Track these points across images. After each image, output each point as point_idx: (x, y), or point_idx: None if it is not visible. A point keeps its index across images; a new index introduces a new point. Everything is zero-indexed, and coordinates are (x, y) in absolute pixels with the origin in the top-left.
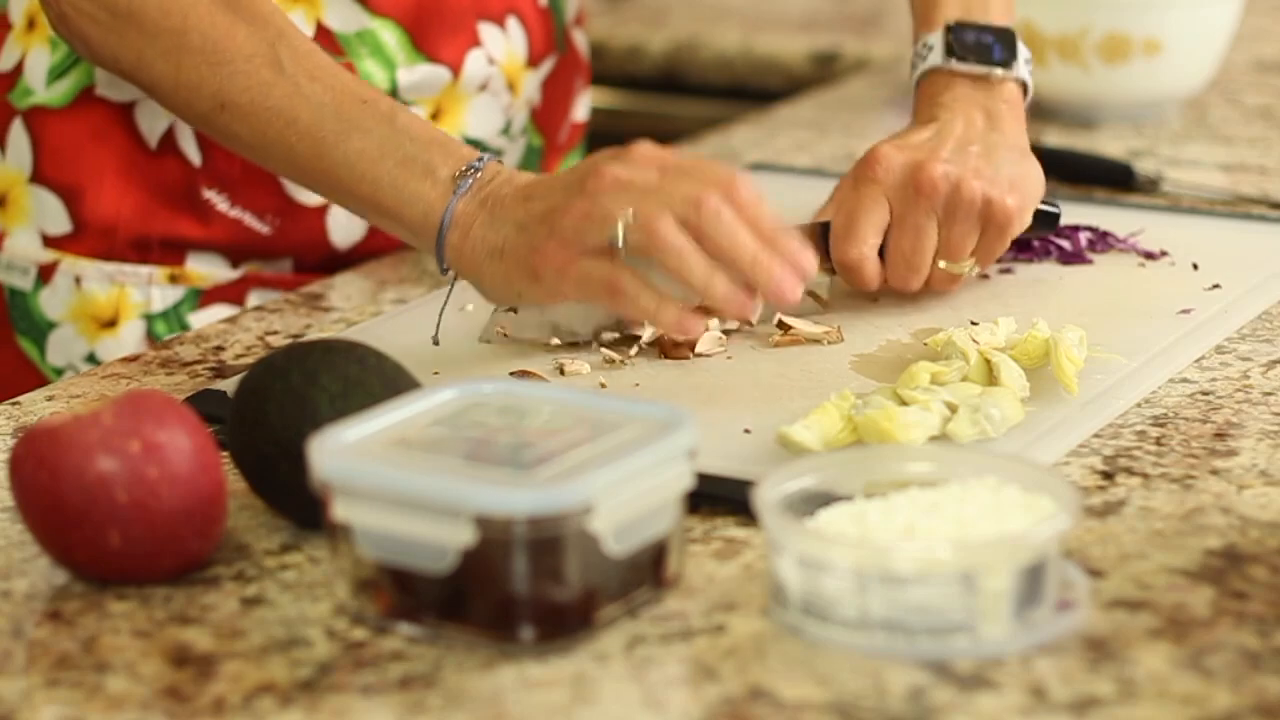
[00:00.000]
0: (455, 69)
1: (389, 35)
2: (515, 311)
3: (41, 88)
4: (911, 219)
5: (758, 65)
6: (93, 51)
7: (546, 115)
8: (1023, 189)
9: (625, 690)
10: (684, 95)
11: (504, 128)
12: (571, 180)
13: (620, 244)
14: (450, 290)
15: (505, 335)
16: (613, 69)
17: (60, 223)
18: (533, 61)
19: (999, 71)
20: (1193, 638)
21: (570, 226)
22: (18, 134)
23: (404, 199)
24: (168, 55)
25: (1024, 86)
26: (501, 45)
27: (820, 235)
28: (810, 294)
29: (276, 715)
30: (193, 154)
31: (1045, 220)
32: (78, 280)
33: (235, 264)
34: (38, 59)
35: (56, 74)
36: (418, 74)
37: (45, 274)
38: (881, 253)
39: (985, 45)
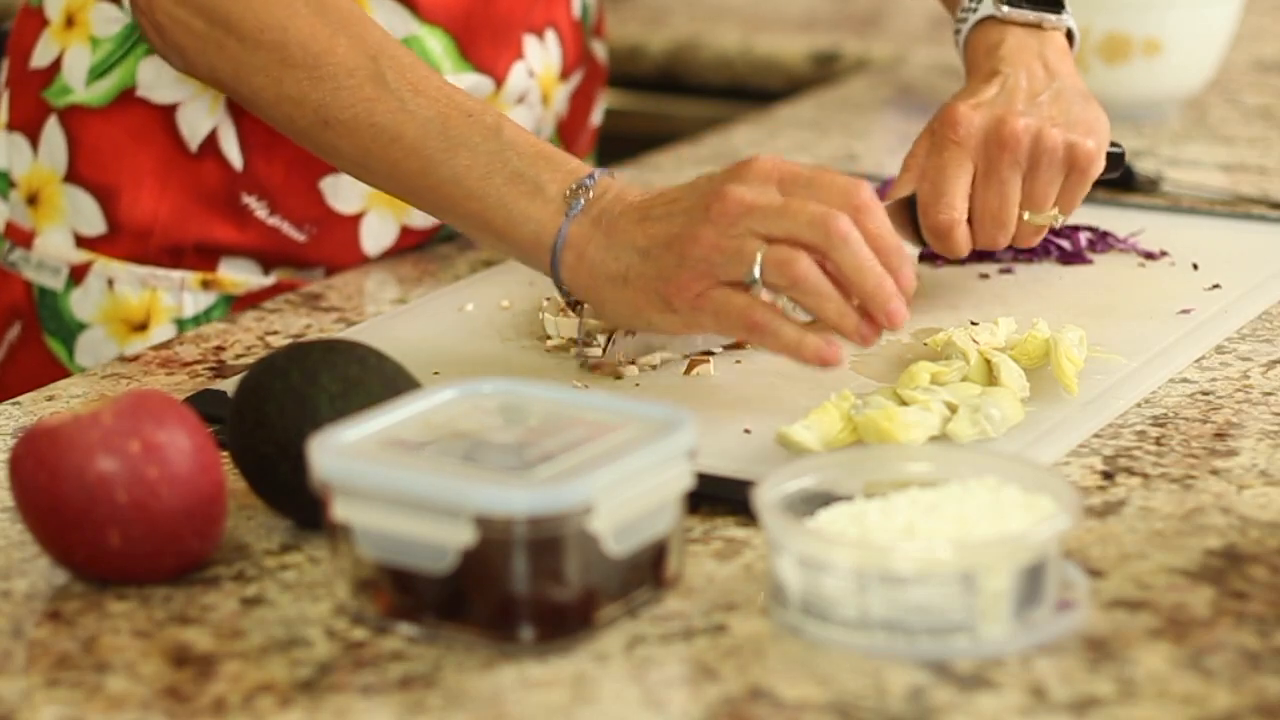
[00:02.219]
0: (499, 80)
1: (436, 43)
2: (633, 335)
3: (81, 87)
4: (997, 176)
5: (758, 65)
6: (189, 63)
7: (570, 127)
8: (1097, 131)
9: (625, 690)
10: (684, 95)
11: None
12: (694, 203)
13: (758, 280)
14: (583, 322)
15: (631, 363)
16: (613, 69)
17: (94, 223)
18: (565, 74)
19: (1051, 18)
20: (1193, 638)
21: (702, 258)
22: (52, 132)
23: (513, 219)
24: (268, 69)
25: (1070, 34)
26: (540, 58)
27: (908, 209)
28: None
29: (276, 715)
30: (235, 158)
31: (1114, 161)
32: (110, 282)
33: (268, 271)
34: (77, 57)
35: (97, 74)
36: (463, 83)
37: (77, 275)
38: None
39: None
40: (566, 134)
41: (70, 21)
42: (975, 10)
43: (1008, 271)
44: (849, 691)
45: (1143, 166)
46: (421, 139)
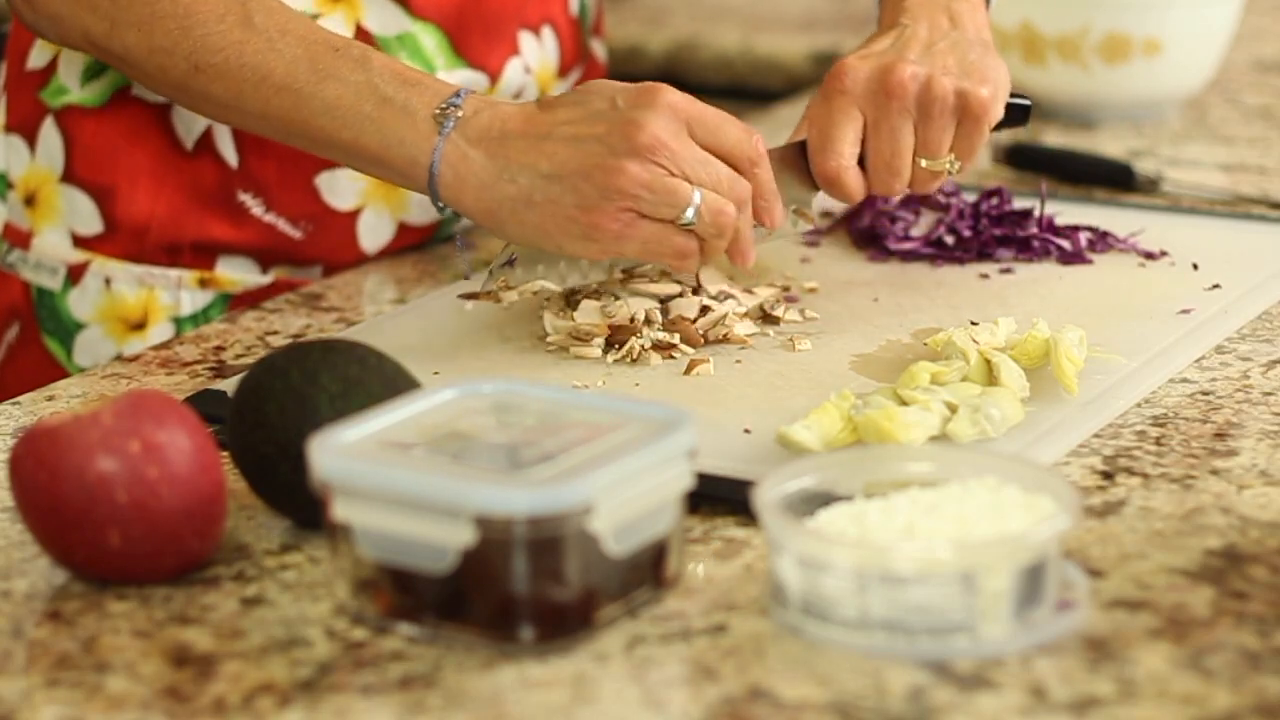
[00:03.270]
0: (494, 76)
1: (429, 39)
2: (512, 265)
3: (76, 87)
4: (886, 123)
5: (758, 65)
6: (63, 30)
7: None
8: (993, 79)
9: (625, 690)
10: None
11: None
12: (608, 131)
13: (691, 222)
14: (460, 245)
15: (508, 288)
16: (613, 69)
17: (91, 223)
18: (563, 71)
19: None
20: (1193, 638)
21: (629, 193)
22: (49, 132)
23: (387, 142)
24: (140, 24)
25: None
26: (537, 54)
27: (799, 155)
28: (797, 212)
29: (276, 715)
30: (230, 156)
31: (1018, 114)
32: (108, 281)
33: (265, 269)
34: (72, 58)
35: (91, 74)
36: (456, 78)
37: (75, 274)
38: (862, 163)
39: None
40: None
41: None
42: None
43: (1008, 271)
44: (849, 691)
45: (1143, 166)
46: (290, 75)
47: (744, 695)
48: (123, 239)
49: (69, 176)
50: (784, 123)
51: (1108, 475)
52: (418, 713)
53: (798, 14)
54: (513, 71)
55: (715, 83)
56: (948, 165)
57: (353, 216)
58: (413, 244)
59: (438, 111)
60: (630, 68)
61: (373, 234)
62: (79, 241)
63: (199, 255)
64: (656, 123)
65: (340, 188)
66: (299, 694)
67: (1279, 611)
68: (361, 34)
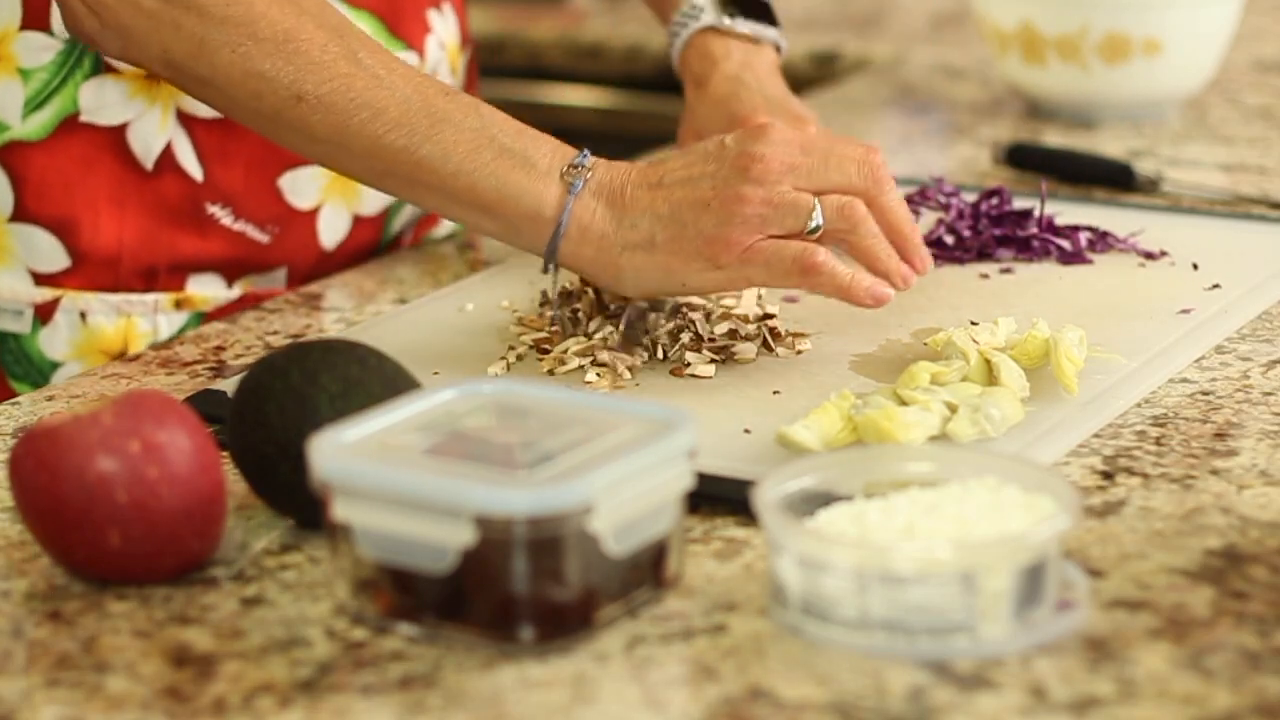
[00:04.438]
0: (421, 55)
1: (364, 25)
2: (619, 329)
3: (17, 122)
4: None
5: None
6: (134, 44)
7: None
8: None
9: (625, 690)
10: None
11: None
12: (720, 169)
13: (819, 227)
14: (554, 285)
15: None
16: (613, 69)
17: (54, 259)
18: (463, 44)
19: (768, 32)
20: (1193, 638)
21: (753, 214)
22: None
23: (506, 193)
24: (235, 45)
25: (778, 49)
26: (444, 30)
27: None
28: None
29: (276, 715)
30: (194, 170)
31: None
32: (83, 315)
33: (231, 282)
34: (9, 92)
35: (34, 106)
36: None
37: (43, 313)
38: None
39: (758, 5)
40: None
41: None
42: (697, 19)
43: (1008, 271)
44: (849, 691)
45: (1143, 166)
46: (404, 114)
47: (744, 695)
48: (93, 270)
49: (20, 215)
50: None
51: (1108, 475)
52: (418, 713)
53: (798, 14)
54: (431, 49)
55: None
56: None
57: (313, 215)
58: (366, 236)
59: (565, 169)
60: (630, 68)
61: (331, 230)
62: (41, 279)
63: (172, 275)
64: (769, 149)
65: (302, 187)
66: (299, 694)
67: (1279, 611)
68: None
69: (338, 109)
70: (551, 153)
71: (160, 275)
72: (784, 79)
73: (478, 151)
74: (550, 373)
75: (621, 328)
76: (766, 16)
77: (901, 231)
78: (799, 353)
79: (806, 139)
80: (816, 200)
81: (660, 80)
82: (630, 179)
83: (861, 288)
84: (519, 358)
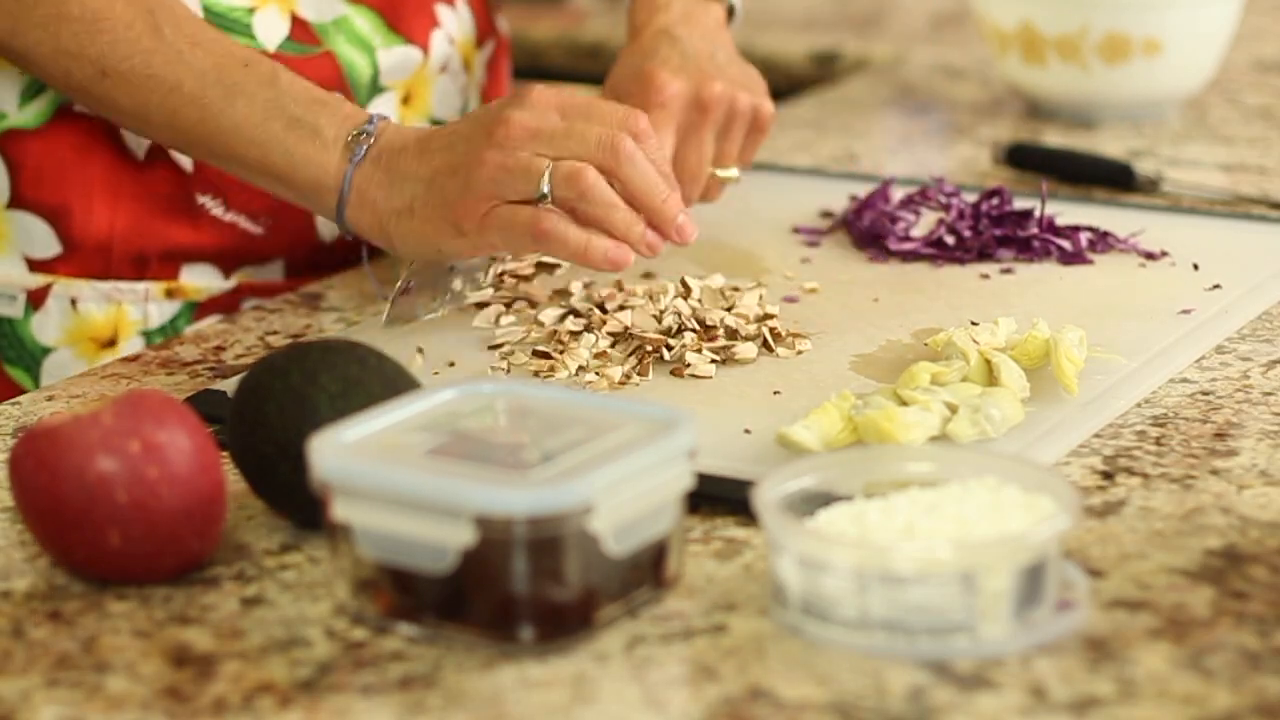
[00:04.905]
0: (425, 49)
1: (363, 21)
2: (409, 291)
3: (14, 110)
4: (697, 136)
5: (758, 65)
6: None
7: (491, 95)
8: (764, 92)
9: (625, 690)
10: None
11: (463, 108)
12: (474, 130)
13: (547, 195)
14: (366, 258)
15: (409, 320)
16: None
17: (48, 245)
18: (480, 41)
19: None
20: (1193, 638)
21: (488, 178)
22: None
23: (295, 163)
24: (45, 24)
25: (730, 11)
26: (456, 24)
27: None
28: (717, 166)
29: (276, 715)
30: (184, 161)
31: None
32: (73, 302)
33: (227, 274)
34: (4, 81)
35: (29, 95)
36: (395, 55)
37: (36, 299)
38: None
39: None
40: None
41: None
42: None
43: (1008, 272)
44: (849, 691)
45: (1143, 166)
46: (200, 88)
47: (744, 695)
48: (84, 257)
49: (17, 202)
50: (784, 123)
51: (1108, 475)
52: (418, 713)
53: (798, 14)
54: (438, 43)
55: None
56: (736, 174)
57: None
58: None
59: (350, 137)
60: None
61: (328, 223)
62: (35, 265)
63: (164, 265)
64: (521, 113)
65: None
66: (299, 694)
67: (1279, 611)
68: (297, 22)
69: (138, 85)
70: (341, 121)
71: (151, 264)
72: (780, 77)
73: (268, 123)
74: (536, 374)
75: (398, 290)
76: None
77: (645, 203)
78: (799, 353)
79: (567, 104)
80: (550, 167)
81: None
82: (405, 144)
83: (598, 252)
84: (511, 358)
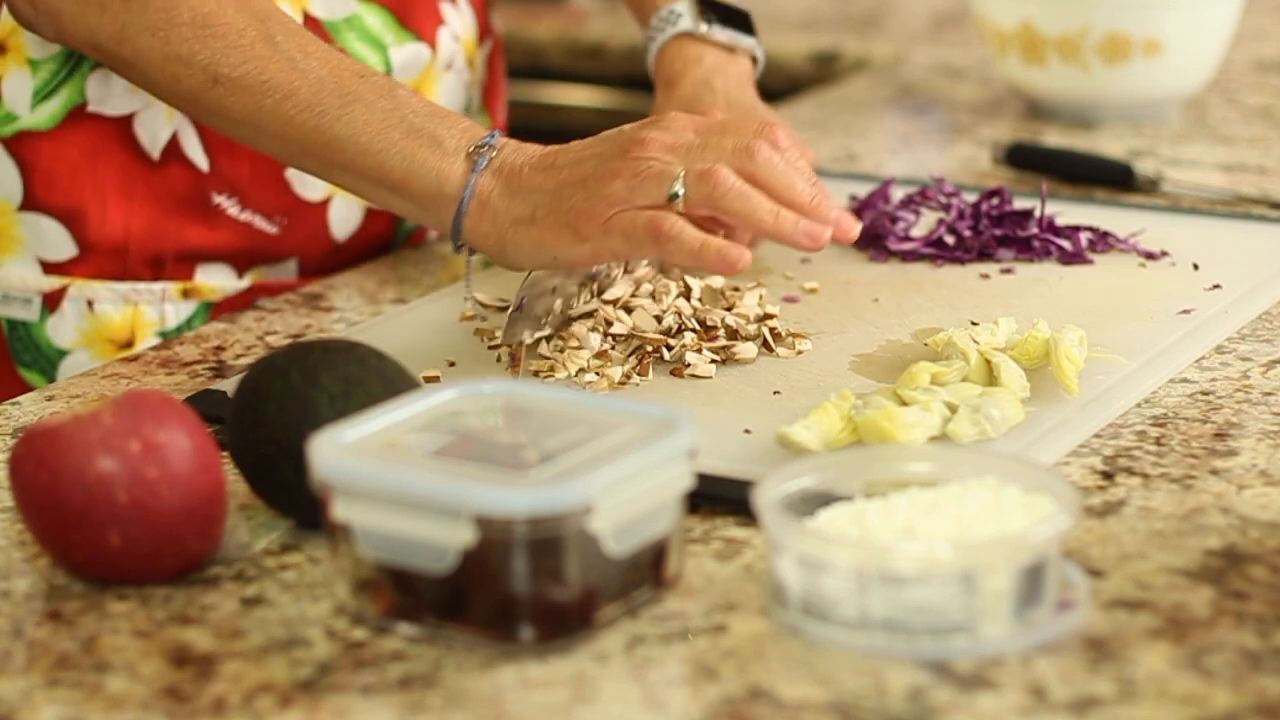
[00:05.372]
0: (433, 47)
1: (374, 18)
2: (521, 310)
3: (26, 111)
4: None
5: None
6: (64, 29)
7: (491, 92)
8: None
9: (625, 690)
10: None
11: (466, 106)
12: (607, 149)
13: (680, 195)
14: (469, 267)
15: (519, 340)
16: (613, 69)
17: (62, 247)
18: (481, 38)
19: (745, 40)
20: (1193, 638)
21: (622, 186)
22: (1, 162)
23: (413, 170)
24: (155, 29)
25: (754, 60)
26: (459, 22)
27: None
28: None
29: (276, 715)
30: (200, 160)
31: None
32: (90, 304)
33: (241, 273)
34: (18, 83)
35: (42, 96)
36: (407, 53)
37: (51, 301)
38: None
39: (737, 15)
40: (489, 99)
41: (2, 48)
42: (675, 24)
43: (1008, 272)
44: (849, 691)
45: (1143, 166)
46: (315, 95)
47: (744, 695)
48: (100, 259)
49: (30, 204)
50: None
51: (1108, 475)
52: (418, 713)
53: (798, 14)
54: (444, 41)
55: None
56: None
57: (324, 206)
58: (380, 228)
59: (472, 148)
60: (630, 68)
61: (343, 222)
62: (50, 268)
63: (180, 265)
64: (654, 132)
65: (310, 179)
66: (299, 694)
67: (1279, 611)
68: (309, 20)
69: (252, 91)
70: (461, 133)
71: (168, 264)
72: (757, 88)
73: (387, 131)
74: (536, 373)
75: (512, 309)
76: (744, 26)
77: (786, 196)
78: (799, 353)
79: (702, 123)
80: (683, 171)
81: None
82: (530, 160)
83: (712, 252)
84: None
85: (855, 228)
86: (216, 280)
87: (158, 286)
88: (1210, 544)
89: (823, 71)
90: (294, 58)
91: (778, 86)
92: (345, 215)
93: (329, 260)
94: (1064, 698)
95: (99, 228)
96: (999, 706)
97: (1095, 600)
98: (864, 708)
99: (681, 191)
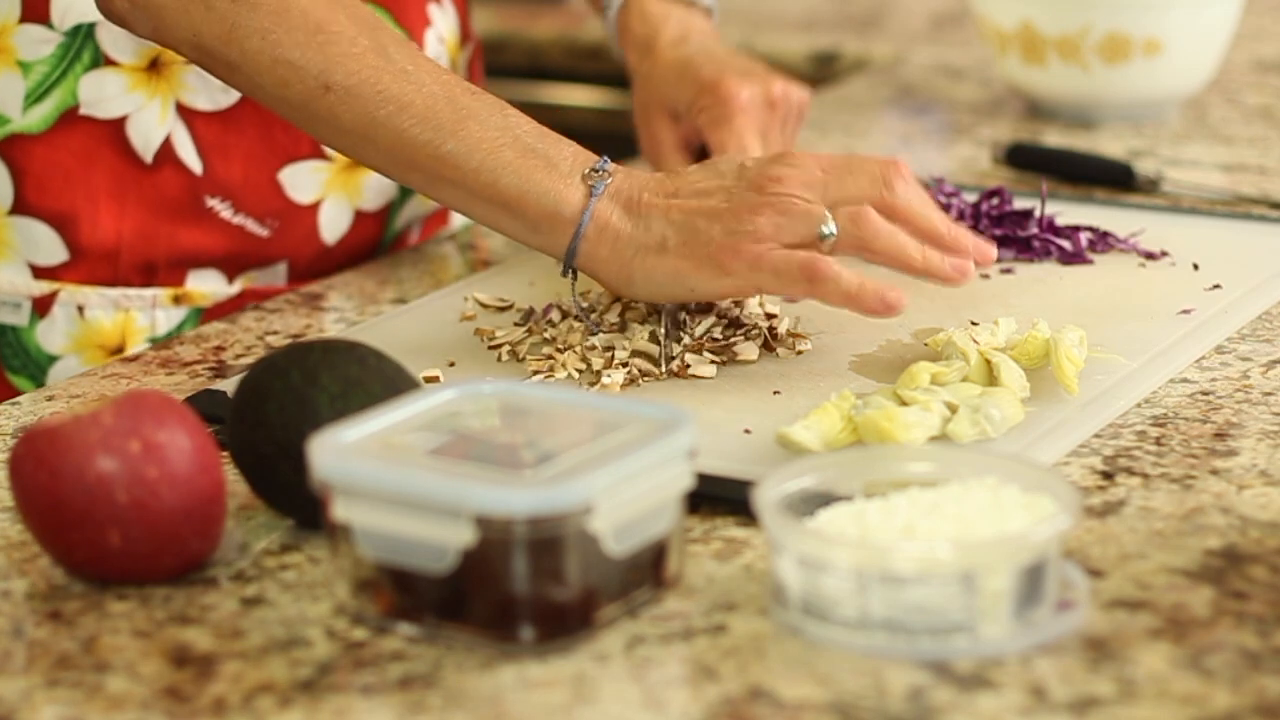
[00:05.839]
0: (420, 47)
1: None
2: (668, 336)
3: (18, 115)
4: (771, 135)
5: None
6: (161, 26)
7: None
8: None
9: (625, 690)
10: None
11: None
12: (735, 184)
13: (831, 234)
14: (575, 290)
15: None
16: (613, 69)
17: (54, 252)
18: (463, 41)
19: None
20: (1193, 638)
21: (768, 224)
22: None
23: (528, 191)
24: (265, 32)
25: (709, 12)
26: (444, 24)
27: None
28: None
29: (276, 715)
30: (193, 163)
31: None
32: (80, 309)
33: (232, 278)
34: (8, 85)
35: (33, 99)
36: None
37: (41, 306)
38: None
39: None
40: None
41: None
42: None
43: (1008, 272)
44: (849, 691)
45: (1143, 166)
46: (430, 109)
47: (744, 695)
48: (92, 264)
49: (20, 208)
50: None
51: (1108, 475)
52: (418, 713)
53: (798, 14)
54: (430, 43)
55: None
56: None
57: (314, 209)
58: (369, 232)
59: (588, 171)
60: None
61: (333, 225)
62: (40, 272)
63: (172, 270)
64: (786, 170)
65: (302, 181)
66: (299, 694)
67: (1279, 611)
68: None
69: (365, 100)
70: (573, 156)
71: (159, 270)
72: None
73: (501, 149)
74: (536, 373)
75: (663, 329)
76: None
77: (928, 229)
78: (799, 353)
79: (827, 160)
80: (828, 210)
81: None
82: (647, 186)
83: (869, 294)
84: (510, 355)
85: (993, 252)
86: (207, 286)
87: (149, 292)
88: (1210, 544)
89: (822, 71)
90: (406, 70)
91: None
92: (335, 218)
93: (318, 264)
94: (1064, 698)
95: (91, 232)
96: (999, 706)
97: (1095, 600)
98: (864, 708)
99: (833, 231)
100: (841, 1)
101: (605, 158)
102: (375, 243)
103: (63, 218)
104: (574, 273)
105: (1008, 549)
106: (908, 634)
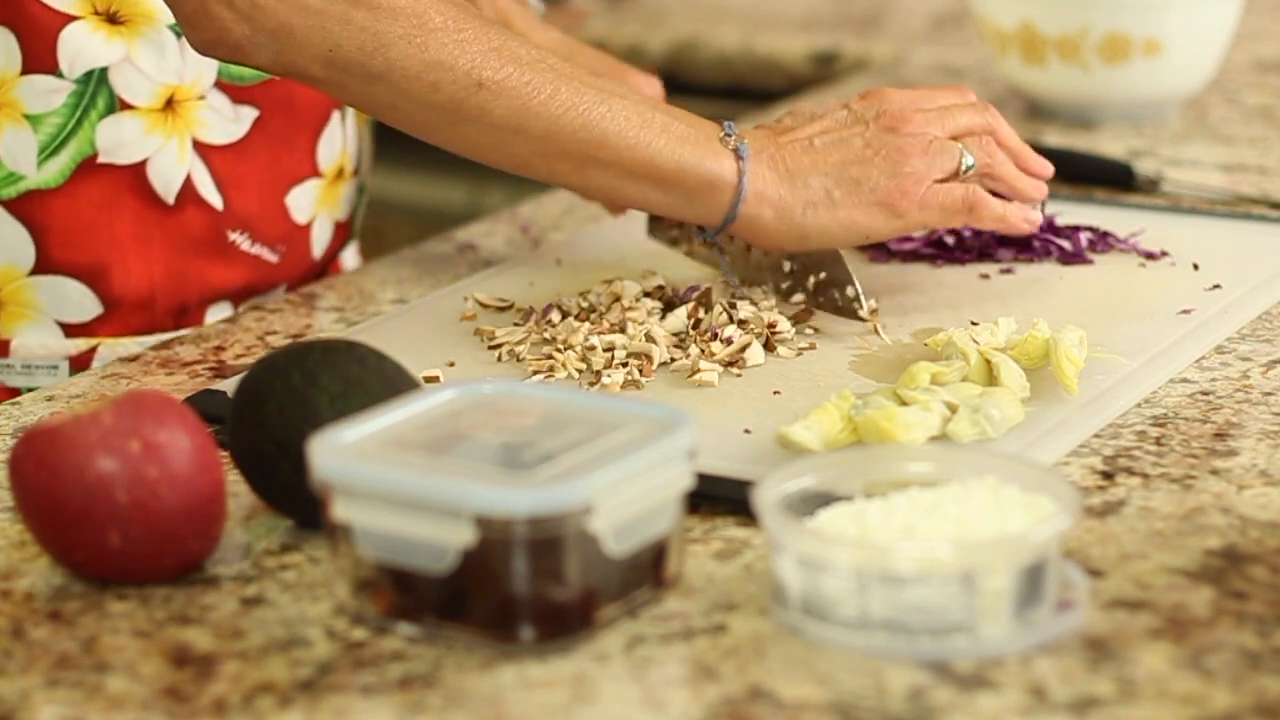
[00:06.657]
0: None
1: None
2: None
3: (32, 170)
4: None
5: (758, 65)
6: (290, 47)
7: None
8: None
9: (625, 690)
10: (684, 95)
11: None
12: (865, 129)
13: (973, 165)
14: (721, 258)
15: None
16: None
17: (86, 307)
18: None
19: None
20: (1193, 638)
21: (922, 163)
22: (5, 227)
23: (684, 163)
24: (409, 36)
25: None
26: None
27: None
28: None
29: (276, 715)
30: (214, 199)
31: None
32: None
33: (237, 306)
34: (18, 140)
35: (47, 152)
36: None
37: (79, 364)
38: None
39: None
40: None
41: None
42: None
43: (1008, 271)
44: (849, 691)
45: (1143, 166)
46: (575, 94)
47: (744, 695)
48: (126, 313)
49: (44, 266)
50: None
51: (1108, 475)
52: (418, 713)
53: (798, 14)
54: None
55: (715, 83)
56: None
57: (309, 228)
58: (341, 241)
59: (724, 136)
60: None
61: (320, 240)
62: (72, 330)
63: (199, 309)
64: (900, 107)
65: (302, 202)
66: (299, 694)
67: (1279, 611)
68: None
69: (517, 92)
70: (701, 124)
71: (190, 311)
72: (780, 77)
73: (645, 127)
74: (535, 373)
75: (831, 292)
76: None
77: (1021, 153)
78: (799, 353)
79: (915, 93)
80: (958, 144)
81: (660, 80)
82: (781, 145)
83: (1017, 215)
84: (513, 355)
85: (1050, 171)
86: (219, 318)
87: (179, 335)
88: (1210, 544)
89: (823, 71)
90: (543, 59)
91: (778, 86)
92: (321, 234)
93: (306, 281)
94: (1064, 698)
95: (124, 281)
96: (999, 706)
97: (1095, 600)
98: (864, 708)
99: (973, 161)
100: (841, 1)
101: (729, 121)
102: (338, 251)
103: (93, 270)
104: (720, 245)
105: (1008, 549)
106: (908, 634)
